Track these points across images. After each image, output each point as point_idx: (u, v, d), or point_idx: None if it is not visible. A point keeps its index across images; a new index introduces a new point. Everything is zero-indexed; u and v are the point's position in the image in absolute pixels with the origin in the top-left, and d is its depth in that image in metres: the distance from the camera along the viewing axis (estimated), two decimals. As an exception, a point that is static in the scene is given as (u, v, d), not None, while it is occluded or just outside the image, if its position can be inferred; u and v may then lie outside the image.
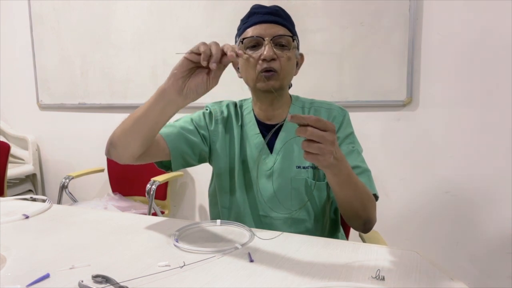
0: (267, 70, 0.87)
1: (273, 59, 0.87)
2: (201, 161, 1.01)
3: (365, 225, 0.87)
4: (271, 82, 0.88)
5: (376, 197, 0.90)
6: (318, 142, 0.65)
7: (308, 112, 0.99)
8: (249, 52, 0.90)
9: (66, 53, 2.46)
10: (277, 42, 0.89)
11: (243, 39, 0.90)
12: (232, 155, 0.99)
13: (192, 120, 0.99)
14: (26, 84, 2.63)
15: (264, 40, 0.88)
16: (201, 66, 0.71)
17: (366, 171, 0.92)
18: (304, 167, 0.95)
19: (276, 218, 0.95)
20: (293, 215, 0.95)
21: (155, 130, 0.82)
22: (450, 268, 0.63)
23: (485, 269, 1.70)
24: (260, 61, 0.88)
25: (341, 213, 0.88)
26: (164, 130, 0.91)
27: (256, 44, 0.89)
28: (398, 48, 1.70)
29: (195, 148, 0.96)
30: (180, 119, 1.00)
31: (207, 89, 0.74)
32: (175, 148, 0.92)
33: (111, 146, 0.85)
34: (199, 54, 0.69)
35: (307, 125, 0.64)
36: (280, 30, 0.90)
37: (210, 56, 0.68)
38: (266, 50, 0.87)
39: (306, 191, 0.95)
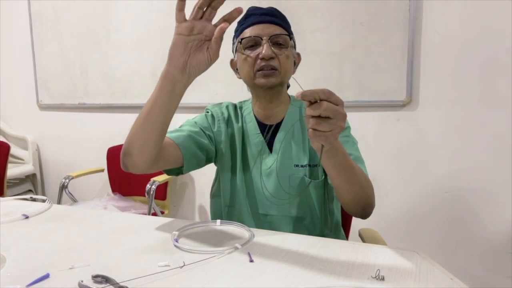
0: (266, 69, 0.88)
1: (271, 58, 0.88)
2: (207, 161, 1.01)
3: (364, 209, 0.85)
4: (271, 79, 0.89)
5: None
6: (328, 118, 0.61)
7: (305, 111, 0.99)
8: (247, 52, 0.91)
9: (66, 53, 2.46)
10: (274, 41, 0.90)
11: (242, 39, 0.91)
12: (234, 154, 1.01)
13: (196, 122, 0.99)
14: (26, 84, 2.63)
15: (262, 39, 0.89)
16: (197, 42, 0.71)
17: (359, 159, 0.92)
18: (302, 166, 0.96)
19: (276, 216, 0.96)
20: (292, 213, 0.95)
21: (168, 118, 0.79)
22: (450, 268, 0.63)
23: (485, 269, 1.70)
24: (258, 60, 0.89)
25: (339, 199, 0.85)
26: (172, 135, 0.91)
27: (254, 44, 0.91)
28: (398, 48, 1.70)
29: (203, 149, 0.96)
30: (184, 124, 1.00)
31: (209, 64, 0.73)
32: (187, 150, 0.91)
33: (125, 156, 0.82)
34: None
35: (320, 101, 0.60)
36: (277, 29, 0.91)
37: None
38: (264, 49, 0.88)
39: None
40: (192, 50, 0.71)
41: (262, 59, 0.88)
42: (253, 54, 0.90)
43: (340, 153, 0.73)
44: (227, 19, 0.70)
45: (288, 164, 0.96)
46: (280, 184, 0.95)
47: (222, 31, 0.70)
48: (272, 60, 0.88)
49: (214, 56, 0.72)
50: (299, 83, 0.72)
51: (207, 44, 0.72)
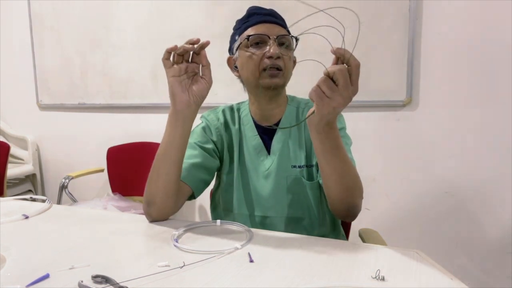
0: (272, 68, 0.89)
1: (278, 57, 0.89)
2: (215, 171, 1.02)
3: (349, 210, 0.83)
4: (275, 79, 0.90)
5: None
6: (335, 86, 0.63)
7: (302, 111, 1.00)
8: (253, 49, 0.91)
9: (66, 53, 2.46)
10: (280, 42, 0.91)
11: (249, 36, 0.91)
12: (231, 157, 1.00)
13: (195, 143, 0.98)
14: (26, 84, 2.63)
15: (269, 38, 0.90)
16: (188, 77, 0.79)
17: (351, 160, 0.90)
18: (299, 166, 0.96)
19: (274, 218, 0.96)
20: (290, 214, 0.95)
21: (183, 154, 0.85)
22: (450, 268, 0.63)
23: (485, 269, 1.70)
24: (265, 59, 0.89)
25: (326, 193, 0.84)
26: None
27: (259, 41, 0.91)
28: (398, 48, 1.70)
29: (209, 168, 0.97)
30: None
31: (208, 88, 0.81)
32: (192, 180, 0.92)
33: (150, 206, 0.86)
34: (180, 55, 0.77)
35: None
36: (282, 30, 0.93)
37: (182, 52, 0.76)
38: (273, 48, 0.88)
39: (301, 190, 0.95)
40: (188, 84, 0.79)
41: (270, 57, 0.88)
42: (259, 52, 0.90)
43: (333, 139, 0.74)
44: (198, 52, 0.78)
45: (286, 165, 0.96)
46: (278, 185, 0.95)
47: (205, 57, 0.79)
48: (278, 59, 0.89)
49: (210, 81, 0.81)
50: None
51: (199, 74, 0.81)
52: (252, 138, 0.99)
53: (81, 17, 2.37)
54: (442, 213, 1.74)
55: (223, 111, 1.04)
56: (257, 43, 0.91)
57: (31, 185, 2.68)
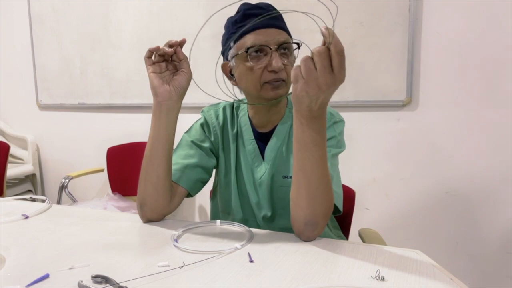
0: (275, 81, 0.84)
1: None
2: (213, 170, 1.01)
3: (306, 225, 0.74)
4: (279, 91, 0.85)
5: (338, 210, 0.83)
6: (315, 69, 0.59)
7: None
8: (252, 62, 0.85)
9: (66, 53, 2.46)
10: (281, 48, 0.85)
11: (248, 48, 0.84)
12: (228, 158, 0.98)
13: (192, 141, 0.96)
14: (26, 84, 2.63)
15: (270, 48, 0.83)
16: (168, 73, 0.82)
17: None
18: (290, 177, 0.90)
19: (267, 227, 0.93)
20: (282, 225, 0.92)
21: (171, 149, 0.85)
22: (450, 268, 0.63)
23: (485, 269, 1.70)
24: (266, 72, 0.84)
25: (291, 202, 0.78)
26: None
27: (258, 49, 0.85)
28: (398, 48, 1.70)
29: (206, 167, 0.95)
30: (180, 144, 0.97)
31: (189, 80, 0.83)
32: (187, 181, 0.91)
33: (142, 207, 0.86)
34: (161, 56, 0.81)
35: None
36: (282, 35, 0.86)
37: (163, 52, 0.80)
38: (274, 61, 0.82)
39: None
40: (169, 79, 0.82)
41: (272, 71, 0.83)
42: (259, 66, 0.84)
43: (313, 130, 0.68)
44: (176, 50, 0.81)
45: (278, 176, 0.92)
46: (270, 196, 0.93)
47: (181, 52, 0.82)
48: (281, 71, 0.84)
49: (189, 73, 0.83)
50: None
51: (178, 68, 0.83)
52: (248, 141, 0.96)
53: (81, 17, 2.37)
54: (442, 213, 1.74)
55: (224, 108, 1.01)
56: (256, 52, 0.84)
57: (31, 185, 2.68)
